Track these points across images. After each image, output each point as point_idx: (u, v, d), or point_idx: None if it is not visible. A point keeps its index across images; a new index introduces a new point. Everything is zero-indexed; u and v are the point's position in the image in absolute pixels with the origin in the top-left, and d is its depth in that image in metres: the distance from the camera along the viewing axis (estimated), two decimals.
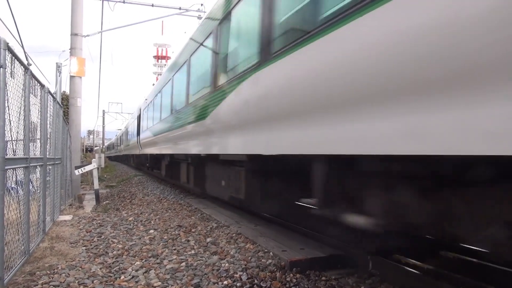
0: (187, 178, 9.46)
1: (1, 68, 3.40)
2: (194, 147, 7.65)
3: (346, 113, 2.93)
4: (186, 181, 9.55)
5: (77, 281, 3.80)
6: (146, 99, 16.22)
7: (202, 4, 13.82)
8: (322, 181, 3.95)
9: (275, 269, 4.12)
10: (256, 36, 4.53)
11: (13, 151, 4.58)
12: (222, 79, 5.86)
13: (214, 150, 6.36)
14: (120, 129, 39.12)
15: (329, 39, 3.04)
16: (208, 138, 6.61)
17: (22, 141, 4.55)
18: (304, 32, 3.48)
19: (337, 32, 2.93)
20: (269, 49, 4.15)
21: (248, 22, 5.17)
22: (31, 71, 4.68)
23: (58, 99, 8.69)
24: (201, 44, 7.42)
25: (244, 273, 4.01)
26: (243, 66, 4.95)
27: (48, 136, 6.27)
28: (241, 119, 5.08)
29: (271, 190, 5.28)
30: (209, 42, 6.77)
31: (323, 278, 3.92)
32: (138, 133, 17.69)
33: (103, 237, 5.76)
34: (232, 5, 5.62)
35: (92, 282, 3.80)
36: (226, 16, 5.88)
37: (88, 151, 55.10)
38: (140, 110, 17.86)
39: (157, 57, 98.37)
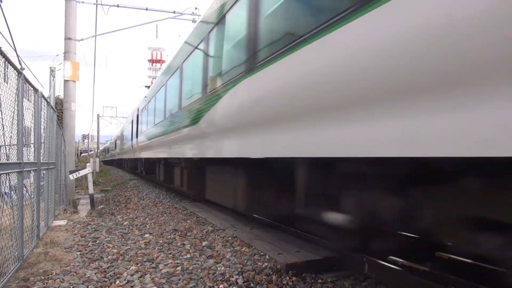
0: (123, 165, 33.32)
1: None
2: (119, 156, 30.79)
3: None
4: (120, 165, 36.34)
5: (71, 287, 3.78)
6: (118, 134, 34.25)
7: (196, 8, 13.80)
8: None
9: (271, 272, 4.12)
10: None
11: (6, 156, 4.55)
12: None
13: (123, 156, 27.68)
14: (109, 140, 57.27)
15: None
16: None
17: (15, 146, 4.52)
18: None
19: None
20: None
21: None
22: (24, 75, 4.66)
23: (52, 103, 8.65)
24: (121, 132, 28.58)
25: (240, 276, 4.00)
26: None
27: (42, 140, 6.23)
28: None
29: None
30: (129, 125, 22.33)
31: (319, 280, 3.92)
32: (115, 147, 36.00)
33: (98, 241, 5.72)
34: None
35: (87, 287, 3.78)
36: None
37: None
38: (116, 136, 36.43)
39: (152, 61, 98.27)
